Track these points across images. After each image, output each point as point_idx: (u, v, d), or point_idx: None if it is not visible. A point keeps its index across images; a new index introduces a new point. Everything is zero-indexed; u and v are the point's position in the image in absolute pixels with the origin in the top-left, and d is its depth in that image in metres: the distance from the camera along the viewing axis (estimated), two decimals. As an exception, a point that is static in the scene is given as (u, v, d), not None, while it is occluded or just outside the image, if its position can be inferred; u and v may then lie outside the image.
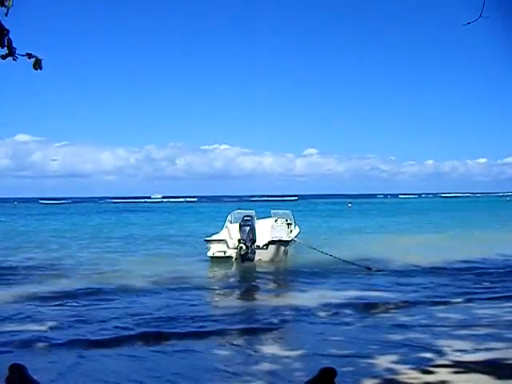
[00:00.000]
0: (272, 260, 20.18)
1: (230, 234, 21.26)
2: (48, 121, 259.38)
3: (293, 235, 21.77)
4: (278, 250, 20.47)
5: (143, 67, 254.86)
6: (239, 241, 19.95)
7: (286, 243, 20.74)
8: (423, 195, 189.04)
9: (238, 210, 23.47)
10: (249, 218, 20.65)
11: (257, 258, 20.18)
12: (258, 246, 20.24)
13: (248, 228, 20.00)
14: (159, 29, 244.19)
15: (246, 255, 19.84)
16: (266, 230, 21.15)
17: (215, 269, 19.21)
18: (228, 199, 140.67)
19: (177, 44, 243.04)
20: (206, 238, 21.21)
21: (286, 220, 23.27)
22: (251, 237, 20.03)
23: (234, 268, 19.43)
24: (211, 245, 20.60)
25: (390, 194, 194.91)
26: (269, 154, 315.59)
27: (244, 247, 19.80)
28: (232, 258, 20.18)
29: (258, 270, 19.01)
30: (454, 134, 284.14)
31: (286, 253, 20.77)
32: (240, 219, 21.43)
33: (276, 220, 22.55)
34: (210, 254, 20.37)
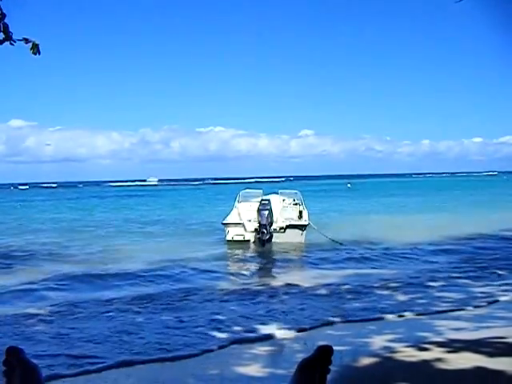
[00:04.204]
0: (289, 243, 20.19)
1: (240, 213, 21.36)
2: (41, 105, 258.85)
3: (304, 216, 21.74)
4: (295, 233, 20.57)
5: (137, 50, 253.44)
6: (259, 225, 20.02)
7: (303, 227, 20.80)
8: (429, 175, 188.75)
9: (247, 190, 23.59)
10: (266, 202, 20.59)
11: (274, 240, 20.31)
12: (275, 230, 20.34)
13: (267, 212, 20.03)
14: (155, 12, 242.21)
15: (263, 240, 19.96)
16: (276, 209, 21.10)
17: (235, 251, 19.39)
18: (232, 181, 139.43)
19: (172, 28, 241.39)
20: (224, 222, 21.23)
21: (294, 200, 23.25)
22: (270, 220, 20.10)
23: (252, 251, 19.67)
24: (229, 228, 20.68)
25: (393, 174, 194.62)
26: (264, 136, 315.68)
27: (265, 231, 19.89)
28: (250, 241, 20.40)
29: (274, 252, 19.20)
30: (450, 113, 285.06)
31: (303, 236, 20.76)
32: (249, 198, 21.97)
33: (284, 200, 22.52)
34: (229, 237, 20.54)
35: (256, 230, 20.26)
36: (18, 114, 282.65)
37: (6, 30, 2.78)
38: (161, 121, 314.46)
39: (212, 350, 8.12)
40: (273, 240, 20.28)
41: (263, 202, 20.62)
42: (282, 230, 20.49)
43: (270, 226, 20.12)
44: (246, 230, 20.46)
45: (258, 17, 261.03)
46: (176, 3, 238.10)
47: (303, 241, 20.60)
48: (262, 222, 19.95)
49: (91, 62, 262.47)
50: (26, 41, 2.90)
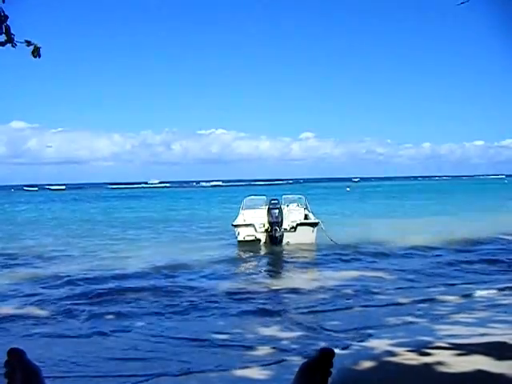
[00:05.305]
0: (300, 242, 20.18)
1: (245, 220, 21.58)
2: (43, 107, 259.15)
3: (311, 218, 21.80)
4: (306, 232, 20.57)
5: (138, 53, 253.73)
6: (270, 224, 20.23)
7: (313, 225, 20.80)
8: (431, 178, 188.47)
9: (251, 197, 23.74)
10: (276, 202, 20.94)
11: (285, 240, 20.39)
12: (285, 229, 20.43)
13: (277, 211, 20.33)
14: (156, 15, 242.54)
15: (275, 238, 20.14)
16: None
17: (247, 253, 19.45)
18: (234, 184, 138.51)
19: (173, 30, 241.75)
20: (234, 223, 21.33)
21: (298, 205, 23.30)
22: (280, 219, 20.29)
23: (264, 252, 19.83)
24: (239, 229, 20.77)
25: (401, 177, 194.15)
26: (265, 138, 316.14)
27: (278, 230, 20.09)
28: (260, 241, 20.52)
29: (285, 253, 19.22)
30: (451, 116, 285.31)
31: (314, 234, 20.71)
32: (252, 205, 22.42)
33: (287, 205, 22.53)
34: (240, 238, 20.61)
35: (266, 230, 20.46)
36: (19, 115, 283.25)
37: (7, 32, 2.78)
38: (162, 123, 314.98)
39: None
40: (284, 240, 20.38)
41: (273, 201, 20.92)
42: (293, 230, 20.55)
43: (281, 226, 20.28)
44: (256, 230, 20.55)
45: (259, 19, 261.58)
46: (177, 6, 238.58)
47: (314, 240, 20.56)
48: (272, 221, 20.19)
49: (93, 64, 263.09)
50: (28, 43, 2.90)
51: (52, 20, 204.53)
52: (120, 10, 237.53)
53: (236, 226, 21.05)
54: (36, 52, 2.90)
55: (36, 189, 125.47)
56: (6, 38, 2.79)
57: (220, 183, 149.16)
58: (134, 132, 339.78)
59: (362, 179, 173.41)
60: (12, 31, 2.78)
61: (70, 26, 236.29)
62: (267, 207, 20.73)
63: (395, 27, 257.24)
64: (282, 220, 20.37)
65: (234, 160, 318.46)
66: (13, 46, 2.84)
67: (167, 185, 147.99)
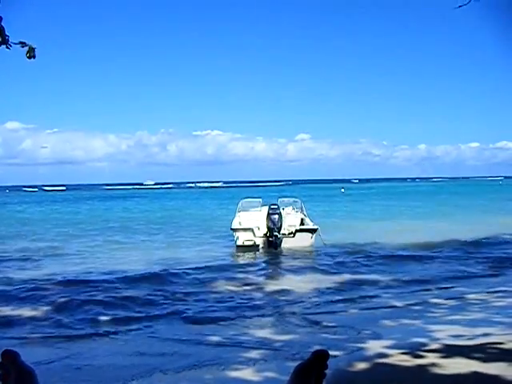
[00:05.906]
0: (299, 248, 20.18)
1: (241, 222, 21.56)
2: (38, 108, 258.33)
3: (308, 223, 21.85)
4: (305, 237, 20.58)
5: (134, 54, 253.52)
6: (269, 229, 20.20)
7: (312, 231, 20.81)
8: (426, 179, 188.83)
9: (247, 200, 23.70)
10: (276, 207, 20.85)
11: (283, 245, 20.34)
12: (284, 234, 20.40)
13: (277, 216, 20.27)
14: (152, 15, 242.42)
15: (274, 243, 20.12)
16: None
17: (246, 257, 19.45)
18: (230, 185, 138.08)
19: (169, 31, 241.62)
20: (233, 227, 21.22)
21: (293, 208, 23.25)
22: (279, 225, 20.27)
23: (264, 257, 19.70)
24: (238, 234, 20.63)
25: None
26: (261, 140, 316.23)
27: (278, 235, 20.08)
28: (258, 245, 20.41)
29: (286, 258, 19.20)
30: (447, 118, 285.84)
31: (312, 240, 20.72)
32: (248, 207, 22.51)
33: (283, 208, 22.48)
34: (239, 242, 20.41)
35: (265, 234, 20.43)
36: (14, 116, 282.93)
37: (2, 34, 2.76)
38: (158, 124, 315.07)
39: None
40: (282, 245, 20.33)
41: (272, 206, 20.85)
42: (292, 235, 20.54)
43: (279, 231, 20.25)
44: (255, 235, 20.46)
45: (255, 21, 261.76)
46: (174, 6, 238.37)
47: (312, 244, 20.58)
48: (272, 226, 20.16)
49: (88, 64, 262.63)
50: (23, 45, 2.88)
51: (47, 20, 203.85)
52: (116, 10, 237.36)
53: (235, 230, 20.94)
54: (31, 53, 2.88)
55: (36, 189, 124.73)
56: (0, 39, 2.77)
57: (220, 184, 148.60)
58: (130, 133, 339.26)
59: (361, 181, 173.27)
60: (6, 32, 2.77)
61: (64, 26, 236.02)
62: (267, 212, 20.58)
63: (392, 29, 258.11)
64: (281, 225, 20.34)
65: (230, 161, 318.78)
66: (7, 47, 2.82)
67: (163, 186, 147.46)
